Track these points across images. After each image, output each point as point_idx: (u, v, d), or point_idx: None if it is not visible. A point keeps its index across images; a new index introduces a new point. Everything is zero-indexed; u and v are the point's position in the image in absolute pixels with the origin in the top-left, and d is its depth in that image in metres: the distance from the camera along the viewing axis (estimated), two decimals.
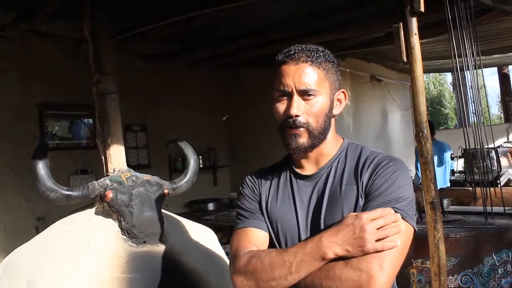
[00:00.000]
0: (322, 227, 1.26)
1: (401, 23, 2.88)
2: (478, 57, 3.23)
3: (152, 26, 3.95)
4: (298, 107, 1.27)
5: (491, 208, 3.16)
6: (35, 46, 4.33)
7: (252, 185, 1.45)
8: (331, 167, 1.34)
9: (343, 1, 3.69)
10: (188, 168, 2.36)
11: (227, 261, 2.20)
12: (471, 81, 3.26)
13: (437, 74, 22.16)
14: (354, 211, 1.23)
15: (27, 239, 2.02)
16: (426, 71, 5.78)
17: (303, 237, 1.29)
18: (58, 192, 1.91)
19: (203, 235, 2.22)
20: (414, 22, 2.87)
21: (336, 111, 1.36)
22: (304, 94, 1.28)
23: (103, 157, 2.38)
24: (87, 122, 4.82)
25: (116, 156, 2.35)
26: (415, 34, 2.85)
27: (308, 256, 1.15)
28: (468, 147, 3.29)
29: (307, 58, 1.29)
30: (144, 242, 1.95)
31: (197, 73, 5.94)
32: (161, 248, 1.98)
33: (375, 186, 1.24)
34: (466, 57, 3.15)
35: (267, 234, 1.36)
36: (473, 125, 3.29)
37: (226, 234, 5.79)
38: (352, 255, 1.12)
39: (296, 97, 1.28)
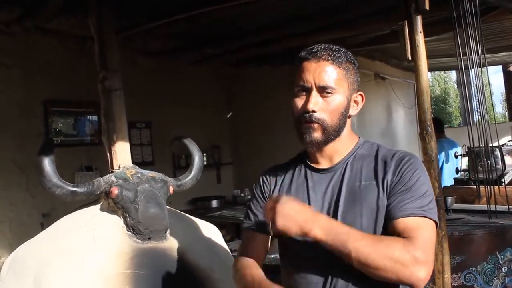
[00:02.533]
0: (339, 221, 1.27)
1: (406, 21, 2.88)
2: (483, 55, 3.22)
3: (156, 23, 3.95)
4: (316, 103, 1.31)
5: (495, 206, 3.15)
6: (40, 43, 4.34)
7: (263, 184, 1.50)
8: (347, 162, 1.38)
9: None
10: (193, 165, 2.37)
11: (231, 257, 2.21)
12: (475, 79, 3.25)
13: (442, 72, 22.07)
14: (377, 207, 1.28)
15: (32, 235, 2.03)
16: (430, 69, 5.76)
17: None
18: (64, 188, 1.92)
19: (207, 232, 2.23)
20: (419, 20, 2.86)
21: (352, 112, 1.40)
22: (323, 91, 1.32)
23: (108, 154, 2.39)
24: (91, 118, 4.83)
25: (121, 153, 2.36)
26: (420, 32, 2.85)
27: None
28: (472, 146, 3.28)
29: (329, 57, 1.33)
30: (149, 238, 1.96)
31: (201, 70, 5.94)
32: (166, 244, 1.99)
33: (403, 181, 1.28)
34: (471, 55, 3.14)
35: (266, 237, 1.44)
36: (478, 124, 3.28)
37: (229, 231, 5.79)
38: None
39: (314, 93, 1.32)
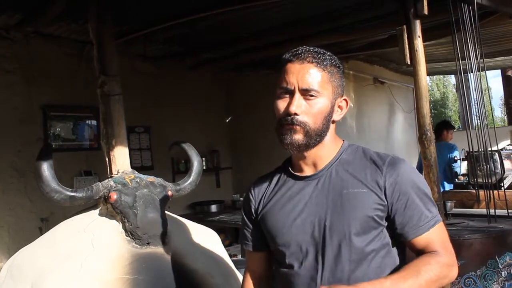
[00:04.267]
0: (326, 230, 1.26)
1: (404, 26, 2.89)
2: (482, 60, 3.22)
3: (155, 28, 3.96)
4: (298, 105, 1.27)
5: (495, 211, 3.15)
6: (39, 48, 4.34)
7: (248, 199, 1.48)
8: (332, 169, 1.33)
9: (347, 3, 3.69)
10: (192, 170, 2.37)
11: (230, 262, 2.21)
12: (474, 84, 3.25)
13: (441, 76, 22.12)
14: (367, 216, 1.24)
15: (31, 240, 2.02)
16: (429, 73, 5.76)
17: (303, 239, 1.29)
18: (63, 193, 1.92)
19: (206, 237, 2.22)
20: (417, 24, 2.88)
21: (336, 117, 1.36)
22: (306, 93, 1.28)
23: (107, 159, 2.39)
24: (90, 123, 4.82)
25: (120, 158, 2.36)
26: (419, 36, 2.86)
27: None
28: (471, 150, 3.28)
29: (313, 59, 1.29)
30: (148, 243, 1.96)
31: (199, 75, 5.95)
32: (164, 249, 1.98)
33: (404, 195, 1.25)
34: (470, 59, 3.14)
35: (260, 254, 1.46)
36: (477, 128, 3.29)
37: (229, 235, 5.79)
38: None
39: (297, 96, 1.28)
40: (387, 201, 1.25)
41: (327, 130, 1.33)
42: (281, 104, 1.32)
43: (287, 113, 1.29)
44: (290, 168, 1.41)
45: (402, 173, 1.27)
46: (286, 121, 1.29)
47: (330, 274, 1.24)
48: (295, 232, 1.30)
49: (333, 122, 1.36)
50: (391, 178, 1.26)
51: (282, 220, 1.33)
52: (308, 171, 1.36)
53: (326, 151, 1.35)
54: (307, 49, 1.31)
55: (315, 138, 1.30)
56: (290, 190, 1.37)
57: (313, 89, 1.27)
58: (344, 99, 1.38)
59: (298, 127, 1.28)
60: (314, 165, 1.36)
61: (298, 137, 1.29)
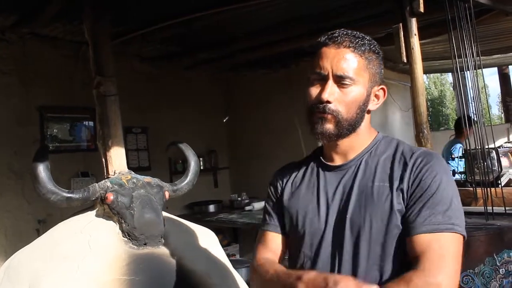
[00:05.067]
0: (347, 222, 1.21)
1: (401, 24, 2.90)
2: (478, 58, 3.23)
3: (152, 28, 3.95)
4: (331, 93, 1.21)
5: (492, 208, 3.15)
6: (35, 49, 4.33)
7: (275, 182, 1.42)
8: (361, 160, 1.28)
9: (343, 2, 3.69)
10: (189, 170, 2.36)
11: (228, 263, 2.20)
12: (471, 82, 3.25)
13: (438, 74, 22.17)
14: (390, 211, 1.17)
15: (28, 242, 2.02)
16: (426, 71, 5.78)
17: (323, 229, 1.25)
18: (59, 194, 1.91)
19: (204, 237, 2.22)
20: (414, 22, 2.88)
21: (372, 106, 1.29)
22: (340, 80, 1.21)
23: (103, 160, 2.38)
24: (87, 124, 4.81)
25: (117, 159, 2.35)
26: (415, 34, 2.86)
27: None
28: (468, 148, 3.28)
29: (350, 44, 1.22)
30: (145, 244, 1.95)
31: (196, 75, 5.94)
32: (162, 250, 1.98)
33: (423, 189, 1.16)
34: (466, 57, 3.14)
35: (283, 237, 1.37)
36: (474, 126, 3.29)
37: (227, 236, 5.80)
38: None
39: (331, 82, 1.22)
40: (407, 196, 1.18)
41: (361, 120, 1.28)
42: (313, 91, 1.25)
43: (319, 100, 1.23)
44: (321, 157, 1.36)
45: (429, 170, 1.18)
46: (318, 108, 1.23)
47: (348, 267, 1.20)
48: (316, 222, 1.26)
49: (368, 112, 1.30)
50: (415, 174, 1.19)
51: (304, 208, 1.30)
52: (338, 160, 1.31)
53: (359, 142, 1.30)
54: (345, 33, 1.25)
55: (347, 128, 1.24)
56: (318, 180, 1.32)
57: (348, 76, 1.21)
58: (382, 88, 1.31)
59: (329, 116, 1.22)
60: (345, 155, 1.30)
61: (329, 126, 1.23)
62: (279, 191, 1.40)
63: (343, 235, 1.21)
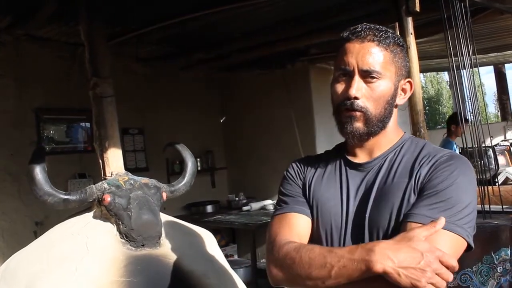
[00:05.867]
0: (366, 221, 1.18)
1: (397, 23, 2.90)
2: (474, 56, 3.23)
3: (148, 29, 3.94)
4: (358, 88, 1.18)
5: (489, 206, 3.15)
6: (31, 51, 4.31)
7: (298, 169, 1.35)
8: (386, 158, 1.24)
9: (339, 1, 3.69)
10: (186, 171, 2.36)
11: (226, 263, 2.20)
12: (467, 80, 3.26)
13: (435, 72, 22.21)
14: (400, 205, 1.14)
15: (25, 244, 2.01)
16: (422, 70, 5.77)
17: (344, 227, 1.21)
18: (56, 196, 1.91)
19: (201, 238, 2.21)
20: (409, 21, 2.88)
21: (399, 101, 1.26)
22: (367, 75, 1.18)
23: (100, 161, 2.38)
24: (84, 126, 4.80)
25: (114, 160, 2.35)
26: (411, 33, 2.86)
27: (353, 263, 1.01)
28: (465, 146, 3.29)
29: (374, 38, 1.19)
30: (143, 245, 1.95)
31: (193, 76, 5.93)
32: (159, 251, 1.97)
33: (432, 183, 1.13)
34: (462, 56, 3.15)
35: (309, 220, 1.27)
36: (470, 124, 3.29)
37: (224, 236, 5.80)
38: (398, 281, 0.97)
39: (357, 78, 1.18)
40: (420, 188, 1.15)
41: (390, 116, 1.24)
42: (339, 88, 1.21)
43: (346, 97, 1.19)
44: (345, 154, 1.31)
45: (448, 167, 1.14)
46: (345, 105, 1.19)
47: None
48: (338, 220, 1.23)
49: (396, 106, 1.27)
50: (433, 168, 1.15)
51: (326, 204, 1.26)
52: (362, 158, 1.27)
53: (386, 140, 1.26)
54: (368, 27, 1.22)
55: (377, 125, 1.21)
56: (340, 176, 1.28)
57: (375, 71, 1.18)
58: (408, 81, 1.28)
59: (358, 113, 1.19)
60: (370, 153, 1.26)
61: (359, 125, 1.20)
62: (302, 178, 1.33)
63: (362, 234, 1.19)
